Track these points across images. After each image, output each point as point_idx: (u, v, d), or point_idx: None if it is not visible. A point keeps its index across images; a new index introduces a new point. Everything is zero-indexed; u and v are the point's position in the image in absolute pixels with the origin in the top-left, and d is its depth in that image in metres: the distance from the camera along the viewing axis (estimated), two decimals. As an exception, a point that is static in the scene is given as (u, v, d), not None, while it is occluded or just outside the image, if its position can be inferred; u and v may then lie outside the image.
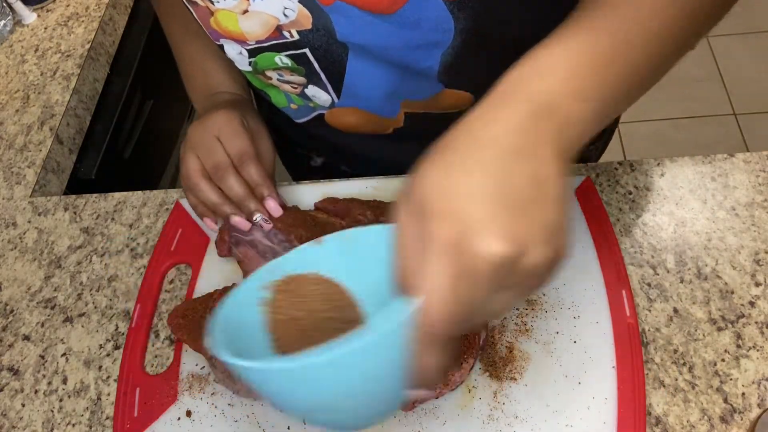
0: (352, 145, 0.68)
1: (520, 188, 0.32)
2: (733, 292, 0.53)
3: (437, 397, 0.50)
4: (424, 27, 0.50)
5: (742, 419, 0.48)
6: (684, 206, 0.59)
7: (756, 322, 0.52)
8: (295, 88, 0.61)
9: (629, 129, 1.83)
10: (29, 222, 0.69)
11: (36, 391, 0.57)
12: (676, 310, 0.53)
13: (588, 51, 0.37)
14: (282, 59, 0.56)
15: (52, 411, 0.55)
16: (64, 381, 0.57)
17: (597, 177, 0.61)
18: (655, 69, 0.41)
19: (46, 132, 0.80)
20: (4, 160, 0.77)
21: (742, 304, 0.53)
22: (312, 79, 0.58)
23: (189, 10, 0.54)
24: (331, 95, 0.60)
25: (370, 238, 0.40)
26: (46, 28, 0.94)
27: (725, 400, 0.49)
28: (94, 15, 0.95)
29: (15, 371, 0.58)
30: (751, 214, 0.57)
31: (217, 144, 0.56)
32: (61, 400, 0.56)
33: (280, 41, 0.54)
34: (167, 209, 0.67)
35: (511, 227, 0.31)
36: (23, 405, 0.56)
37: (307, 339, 0.39)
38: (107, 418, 0.54)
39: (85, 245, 0.66)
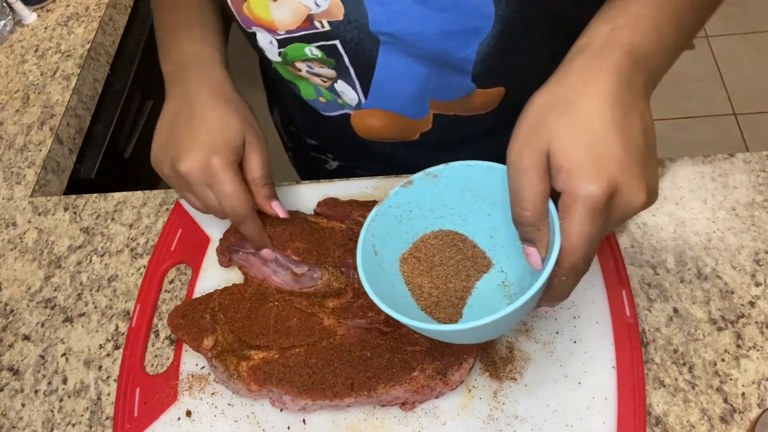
0: (376, 150, 0.68)
1: (637, 142, 0.38)
2: (733, 292, 0.53)
3: (437, 397, 0.50)
4: (463, 10, 0.49)
5: (742, 419, 0.48)
6: (684, 206, 0.59)
7: (756, 322, 0.52)
8: (325, 81, 0.60)
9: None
10: (29, 222, 0.69)
11: (36, 391, 0.57)
12: (676, 310, 0.53)
13: (670, 3, 0.42)
14: (312, 50, 0.55)
15: (52, 411, 0.55)
16: (64, 381, 0.57)
17: (597, 177, 0.61)
18: (703, 18, 0.46)
19: (46, 132, 0.80)
20: (4, 160, 0.77)
21: (742, 304, 0.53)
22: (341, 73, 0.58)
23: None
24: (358, 94, 0.60)
25: (455, 173, 0.45)
26: (46, 28, 0.94)
27: (725, 400, 0.49)
28: (94, 15, 0.95)
29: (15, 371, 0.58)
30: (751, 214, 0.57)
31: (210, 194, 0.52)
32: (61, 400, 0.56)
33: (311, 31, 0.53)
34: (167, 209, 0.67)
35: (645, 179, 0.38)
36: (23, 405, 0.56)
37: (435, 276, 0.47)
38: (107, 418, 0.54)
39: (85, 245, 0.66)
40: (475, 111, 0.61)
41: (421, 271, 0.48)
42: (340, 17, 0.51)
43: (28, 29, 0.95)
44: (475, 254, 0.49)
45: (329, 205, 0.60)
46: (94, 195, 0.70)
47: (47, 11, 0.97)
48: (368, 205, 0.58)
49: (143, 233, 0.66)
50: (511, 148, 0.40)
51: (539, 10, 0.51)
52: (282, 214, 0.55)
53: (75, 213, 0.69)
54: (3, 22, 0.94)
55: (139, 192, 0.69)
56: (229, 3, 0.54)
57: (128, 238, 0.66)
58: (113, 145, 0.96)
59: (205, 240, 0.62)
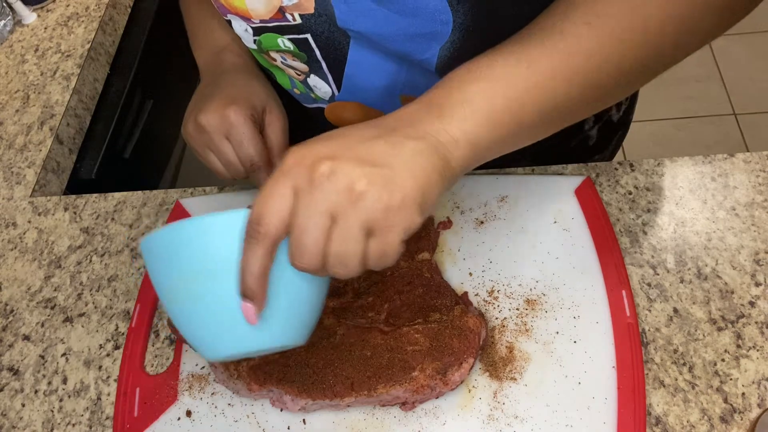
0: None
1: (373, 151, 0.38)
2: (733, 292, 0.53)
3: (437, 397, 0.50)
4: (422, 16, 0.50)
5: (742, 419, 0.48)
6: (684, 206, 0.59)
7: (756, 322, 0.52)
8: (299, 75, 0.61)
9: (629, 129, 1.82)
10: (29, 222, 0.69)
11: (36, 391, 0.57)
12: (676, 310, 0.53)
13: (506, 93, 0.41)
14: (285, 42, 0.56)
15: (52, 411, 0.55)
16: (64, 381, 0.57)
17: (597, 177, 0.61)
18: (574, 108, 0.44)
19: (46, 132, 0.80)
20: (4, 160, 0.77)
21: (742, 304, 0.53)
22: (313, 67, 0.58)
23: None
24: (331, 87, 0.60)
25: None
26: (46, 28, 0.94)
27: (725, 400, 0.49)
28: (94, 15, 0.95)
29: (15, 371, 0.58)
30: (751, 214, 0.57)
31: (227, 146, 0.55)
32: (61, 400, 0.56)
33: (283, 23, 0.54)
34: (167, 209, 0.67)
35: (344, 155, 0.37)
36: (23, 405, 0.56)
37: None
38: (107, 418, 0.54)
39: (85, 245, 0.66)
40: None
41: None
42: (311, 11, 0.52)
43: (28, 29, 0.95)
44: None
45: None
46: (94, 195, 0.70)
47: (47, 11, 0.97)
48: None
49: (143, 233, 0.66)
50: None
51: (495, 20, 0.51)
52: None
53: (75, 213, 0.69)
54: (3, 22, 0.94)
55: (139, 192, 0.69)
56: None
57: (128, 238, 0.66)
58: (113, 145, 0.96)
59: (205, 240, 0.62)
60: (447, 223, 0.59)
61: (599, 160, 0.77)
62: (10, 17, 0.95)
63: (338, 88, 0.60)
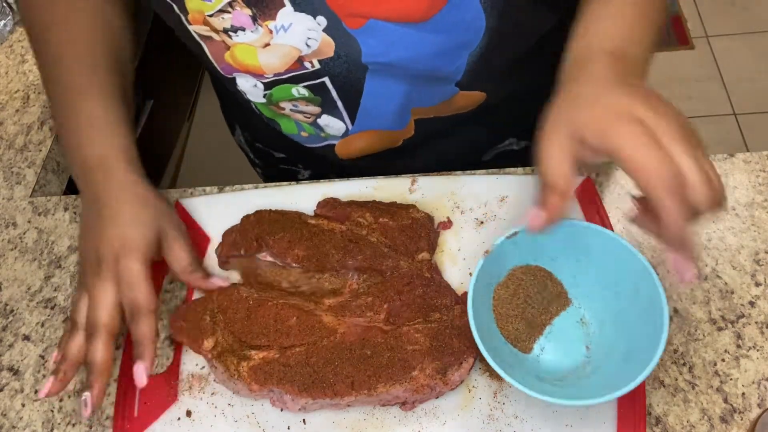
0: (357, 164, 0.68)
1: (632, 98, 0.42)
2: (733, 292, 0.53)
3: (437, 397, 0.50)
4: (459, 29, 0.50)
5: (742, 419, 0.48)
6: (684, 206, 0.58)
7: (756, 322, 0.52)
8: (308, 117, 0.60)
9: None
10: (29, 222, 0.69)
11: (36, 391, 0.57)
12: (676, 310, 0.53)
13: (630, 6, 0.48)
14: (299, 90, 0.55)
15: (52, 411, 0.55)
16: (64, 381, 0.57)
17: (597, 177, 0.61)
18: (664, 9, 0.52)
19: (46, 132, 0.80)
20: (4, 160, 0.77)
21: (742, 304, 0.53)
22: (327, 108, 0.57)
23: (198, 45, 0.52)
24: (345, 122, 0.59)
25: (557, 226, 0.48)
26: (46, 28, 0.94)
27: (725, 400, 0.49)
28: (94, 15, 0.95)
29: (15, 371, 0.58)
30: (751, 214, 0.57)
31: (109, 291, 0.49)
32: (61, 400, 0.56)
33: (300, 72, 0.53)
34: (167, 209, 0.67)
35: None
36: (23, 405, 0.56)
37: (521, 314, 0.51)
38: (107, 418, 0.54)
39: (85, 245, 0.66)
40: (455, 111, 0.62)
41: (508, 300, 0.51)
42: (331, 54, 0.51)
43: (28, 29, 0.95)
44: (558, 291, 0.52)
45: (330, 205, 0.59)
46: (94, 195, 0.70)
47: (47, 11, 0.97)
48: (368, 206, 0.58)
49: (143, 233, 0.65)
50: (539, 144, 0.43)
51: (518, 19, 0.54)
52: (224, 284, 0.55)
53: (75, 213, 0.69)
54: (3, 22, 0.94)
55: (139, 192, 0.69)
56: (208, 55, 0.53)
57: (128, 238, 0.65)
58: (113, 145, 0.96)
59: (205, 240, 0.62)
60: (447, 223, 0.59)
61: None
62: (10, 17, 0.95)
63: (352, 122, 0.59)
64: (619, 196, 0.60)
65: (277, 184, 0.66)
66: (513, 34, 0.55)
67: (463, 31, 0.51)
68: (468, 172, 0.63)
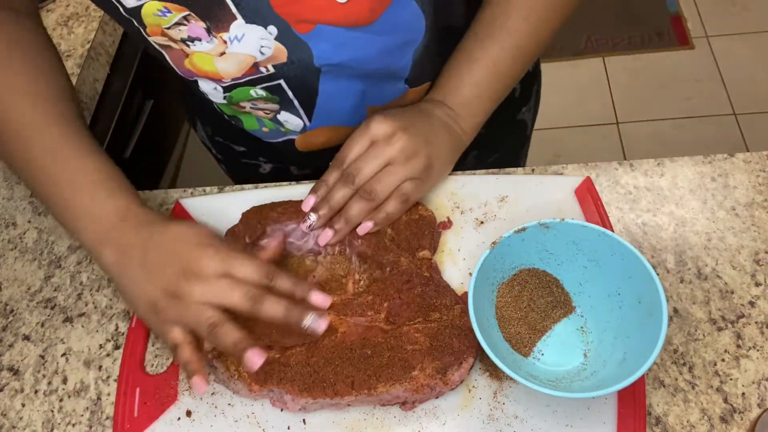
0: (319, 157, 0.69)
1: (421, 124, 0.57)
2: (733, 292, 0.53)
3: (437, 397, 0.50)
4: (401, 28, 0.54)
5: (742, 419, 0.48)
6: (684, 206, 0.59)
7: (756, 322, 0.52)
8: (268, 114, 0.62)
9: (629, 129, 1.83)
10: (29, 222, 0.69)
11: (36, 391, 0.57)
12: (676, 310, 0.53)
13: (488, 67, 0.58)
14: (257, 91, 0.58)
15: (52, 411, 0.55)
16: (64, 381, 0.57)
17: (597, 177, 0.61)
18: (525, 66, 0.61)
19: (46, 132, 0.80)
20: (4, 160, 0.77)
21: (742, 304, 0.53)
22: (284, 105, 0.60)
23: (159, 53, 0.54)
24: (302, 119, 0.62)
25: (567, 228, 0.50)
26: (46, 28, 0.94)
27: (725, 400, 0.49)
28: (94, 15, 0.95)
29: (15, 371, 0.58)
30: (751, 214, 0.57)
31: (226, 282, 0.48)
32: (61, 400, 0.56)
33: (256, 76, 0.55)
34: (167, 209, 0.67)
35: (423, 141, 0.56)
36: (23, 405, 0.56)
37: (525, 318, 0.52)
38: (107, 418, 0.54)
39: (85, 245, 0.66)
40: (407, 104, 0.65)
41: (511, 302, 0.52)
42: (284, 60, 0.53)
43: (28, 29, 0.95)
44: (563, 299, 0.52)
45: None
46: (94, 195, 0.70)
47: (47, 11, 0.97)
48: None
49: (143, 233, 0.65)
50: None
51: (450, 17, 0.60)
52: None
53: (75, 213, 0.69)
54: (3, 22, 0.94)
55: (139, 192, 0.69)
56: (168, 60, 0.55)
57: (128, 238, 0.65)
58: (113, 145, 0.96)
59: (205, 240, 0.62)
60: (447, 223, 0.59)
61: (527, 113, 0.79)
62: (10, 17, 0.95)
63: (309, 119, 0.62)
64: (619, 196, 0.60)
65: (277, 184, 0.66)
66: (451, 31, 0.60)
67: (405, 30, 0.54)
68: (468, 172, 0.63)
